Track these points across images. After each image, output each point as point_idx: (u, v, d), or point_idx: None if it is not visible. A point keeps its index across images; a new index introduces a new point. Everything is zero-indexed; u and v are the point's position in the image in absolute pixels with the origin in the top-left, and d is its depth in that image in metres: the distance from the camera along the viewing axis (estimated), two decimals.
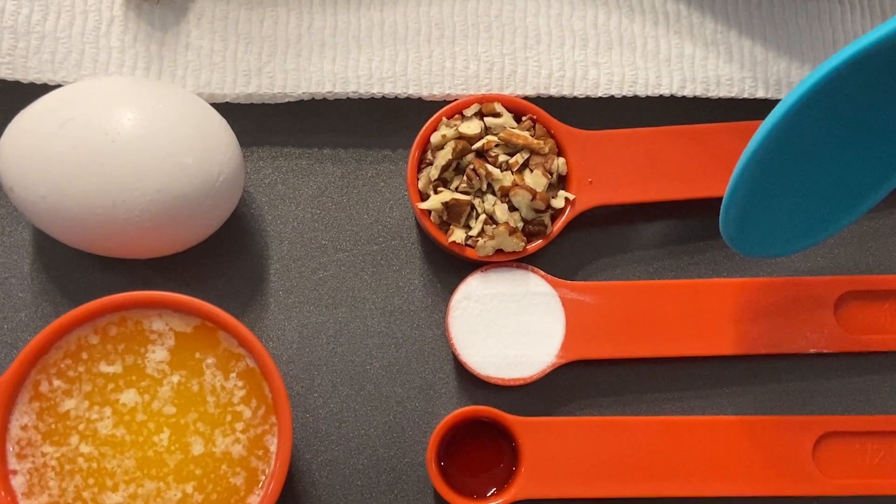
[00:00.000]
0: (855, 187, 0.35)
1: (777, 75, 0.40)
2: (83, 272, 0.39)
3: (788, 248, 0.37)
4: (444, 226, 0.38)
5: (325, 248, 0.40)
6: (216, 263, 0.40)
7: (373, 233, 0.40)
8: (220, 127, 0.36)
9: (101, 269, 0.39)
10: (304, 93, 0.39)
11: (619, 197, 0.39)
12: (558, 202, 0.38)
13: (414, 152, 0.38)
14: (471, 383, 0.39)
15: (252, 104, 0.40)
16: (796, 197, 0.34)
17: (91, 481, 0.33)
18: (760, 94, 0.40)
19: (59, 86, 0.38)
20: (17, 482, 0.33)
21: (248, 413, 0.34)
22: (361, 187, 0.41)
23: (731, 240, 0.34)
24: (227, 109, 0.39)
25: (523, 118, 0.39)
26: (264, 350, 0.33)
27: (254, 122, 0.40)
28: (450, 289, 0.39)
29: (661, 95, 0.40)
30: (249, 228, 0.40)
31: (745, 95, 0.40)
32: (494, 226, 0.38)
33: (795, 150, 0.32)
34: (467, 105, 0.39)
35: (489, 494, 0.37)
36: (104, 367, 0.34)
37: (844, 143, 0.33)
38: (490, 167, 0.38)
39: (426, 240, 0.40)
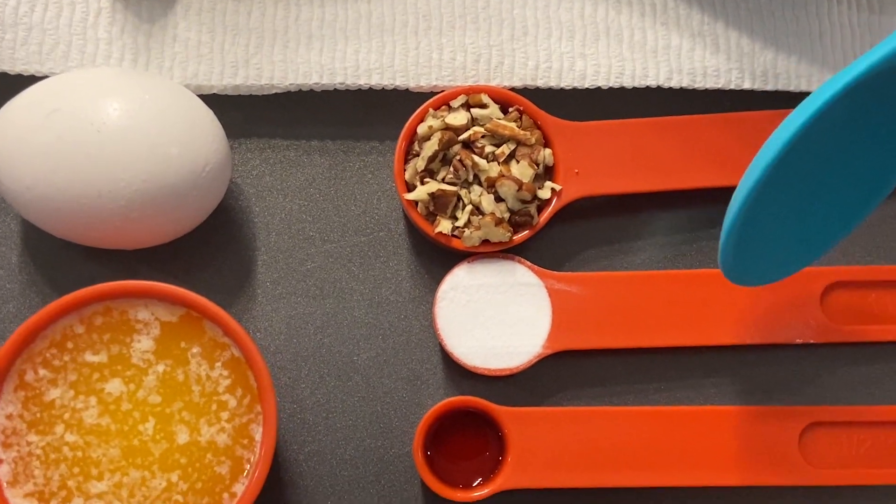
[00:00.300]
0: (846, 208, 0.35)
1: (763, 66, 0.40)
2: (71, 263, 0.39)
3: (782, 272, 0.36)
4: (431, 217, 0.38)
5: (313, 239, 0.40)
6: (204, 255, 0.40)
7: (360, 224, 0.40)
8: (206, 117, 0.36)
9: (88, 261, 0.39)
10: (291, 84, 0.39)
11: (606, 188, 0.39)
12: (545, 193, 0.38)
13: (401, 143, 0.38)
14: (457, 374, 0.39)
15: (240, 96, 0.40)
16: (791, 225, 0.35)
17: (76, 470, 0.33)
18: (747, 85, 0.40)
19: (46, 77, 0.38)
20: (2, 471, 0.33)
21: (233, 402, 0.34)
22: (349, 179, 0.41)
23: (730, 273, 0.34)
24: (215, 101, 0.39)
25: (510, 109, 0.39)
26: (249, 339, 0.33)
27: (241, 113, 0.40)
28: (437, 280, 0.39)
29: (647, 87, 0.40)
30: (237, 220, 0.40)
31: (732, 86, 0.40)
32: (481, 216, 0.38)
33: (789, 183, 0.32)
34: (454, 96, 0.39)
35: (475, 484, 0.37)
36: (89, 357, 0.34)
37: (841, 165, 0.34)
38: (476, 158, 0.38)
39: (413, 231, 0.40)
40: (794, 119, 0.30)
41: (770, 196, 0.32)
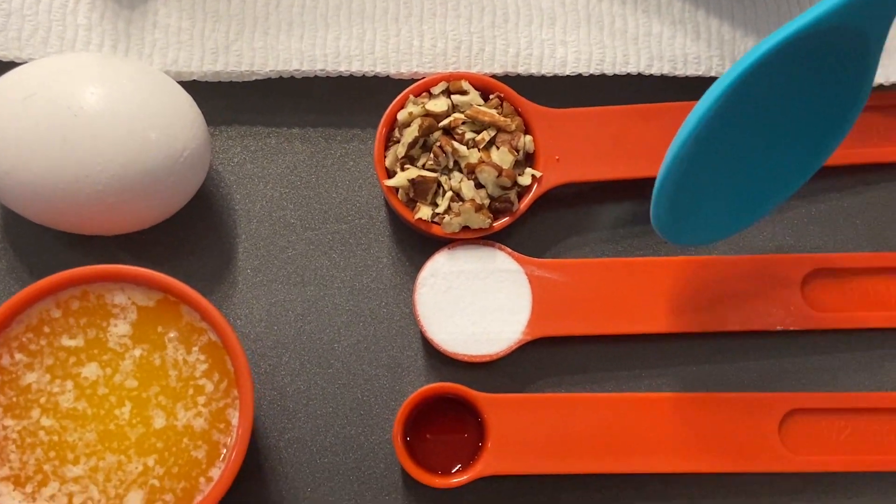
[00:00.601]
0: (783, 172, 0.36)
1: (744, 53, 0.40)
2: (50, 250, 0.39)
3: (720, 233, 0.37)
4: (412, 203, 0.38)
5: (294, 226, 0.40)
6: (185, 242, 0.40)
7: (341, 211, 0.40)
8: (185, 103, 0.36)
9: (68, 247, 0.39)
10: (271, 71, 0.39)
11: (587, 175, 0.39)
12: (525, 179, 0.38)
13: (381, 129, 0.38)
14: (438, 360, 0.39)
15: (220, 83, 0.40)
16: (726, 184, 0.35)
17: (52, 454, 0.33)
18: None
19: (25, 63, 0.38)
20: None
21: (210, 387, 0.34)
22: (330, 166, 0.41)
23: (662, 228, 0.34)
24: (196, 89, 0.39)
25: (491, 96, 0.39)
26: (226, 323, 0.33)
27: (222, 101, 0.40)
28: (417, 267, 0.39)
29: (628, 74, 0.40)
30: (218, 207, 0.40)
31: (713, 74, 0.40)
32: (461, 203, 0.38)
33: (725, 138, 0.32)
34: (435, 83, 0.39)
35: (455, 470, 0.37)
36: (66, 341, 0.34)
37: (774, 127, 0.34)
38: (457, 144, 0.38)
39: (394, 218, 0.40)
40: (729, 73, 0.30)
41: (705, 151, 0.32)
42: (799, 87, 0.33)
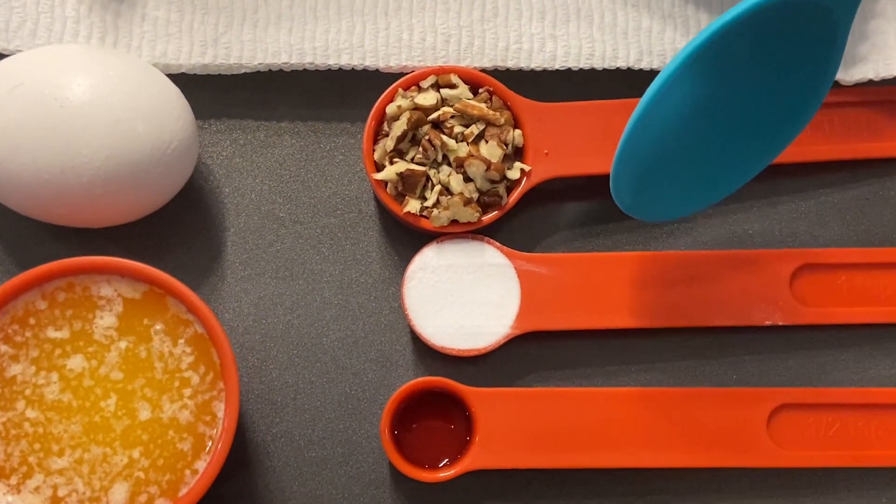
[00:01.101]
0: (747, 149, 0.36)
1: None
2: (38, 242, 0.39)
3: (682, 209, 0.37)
4: (400, 197, 0.38)
5: (283, 220, 0.40)
6: (173, 235, 0.39)
7: (330, 205, 0.40)
8: (172, 95, 0.36)
9: (55, 239, 0.39)
10: (260, 64, 0.39)
11: (576, 169, 0.39)
12: (514, 173, 0.38)
13: (370, 123, 0.38)
14: (426, 354, 0.39)
15: (209, 76, 0.40)
16: (687, 158, 0.35)
17: (37, 446, 0.33)
18: None
19: (12, 55, 0.38)
20: None
21: (196, 379, 0.34)
22: (319, 160, 0.40)
23: (621, 200, 0.35)
24: (185, 82, 0.39)
25: (480, 90, 0.39)
26: (212, 315, 0.33)
27: (211, 94, 0.40)
28: (406, 260, 0.39)
29: (618, 68, 0.40)
30: (206, 201, 0.40)
31: None
32: (449, 196, 0.37)
33: (684, 110, 0.32)
34: (424, 77, 0.39)
35: (442, 464, 0.37)
36: (52, 333, 0.33)
37: (736, 101, 0.34)
38: (445, 138, 0.38)
39: (384, 212, 0.40)
40: (688, 45, 0.30)
41: (664, 123, 0.32)
42: (761, 64, 0.32)
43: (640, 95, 0.39)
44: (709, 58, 0.31)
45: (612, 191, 0.34)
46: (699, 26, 0.40)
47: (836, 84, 0.41)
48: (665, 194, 0.36)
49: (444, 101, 0.38)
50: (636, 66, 0.40)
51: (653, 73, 0.40)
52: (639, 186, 0.34)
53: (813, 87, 0.35)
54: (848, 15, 0.32)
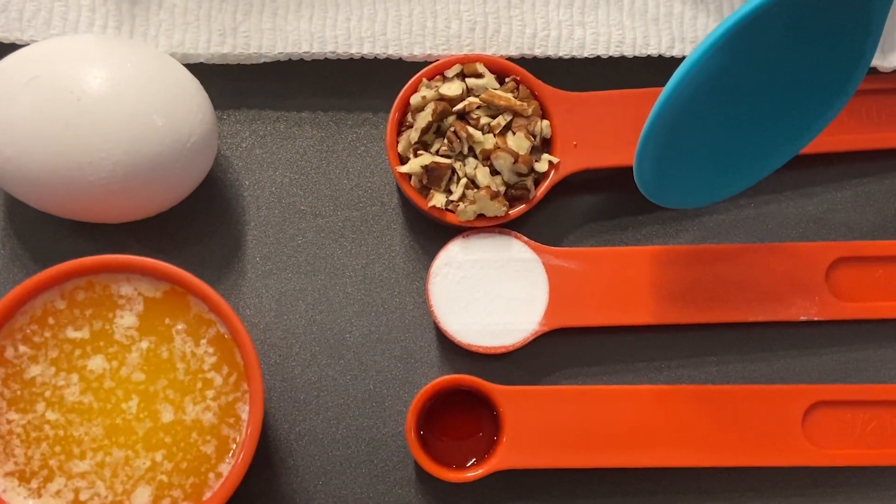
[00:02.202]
0: (775, 137, 0.35)
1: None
2: (55, 238, 0.38)
3: (704, 197, 0.36)
4: (425, 190, 0.37)
5: (304, 213, 0.39)
6: (192, 229, 0.39)
7: (352, 198, 0.39)
8: (191, 87, 0.35)
9: (73, 235, 0.38)
10: (280, 53, 0.38)
11: (605, 160, 0.38)
12: (542, 166, 0.37)
13: (393, 114, 0.37)
14: (452, 352, 0.38)
15: (228, 66, 0.39)
16: (714, 145, 0.34)
17: (58, 449, 0.32)
18: None
19: (26, 45, 0.37)
20: None
21: (218, 380, 0.33)
22: (341, 151, 0.40)
23: (645, 186, 0.34)
24: (203, 71, 0.38)
25: (506, 79, 0.38)
26: (235, 315, 0.32)
27: (230, 84, 0.39)
28: (431, 255, 0.38)
29: (648, 56, 0.39)
30: (226, 194, 0.39)
31: None
32: (476, 190, 0.37)
33: (712, 95, 0.31)
34: (448, 66, 0.38)
35: (469, 464, 0.36)
36: (71, 333, 0.33)
37: (766, 87, 0.33)
38: (471, 129, 0.37)
39: (407, 205, 0.39)
40: (720, 26, 0.29)
41: (690, 108, 0.31)
42: (792, 49, 0.31)
43: None
44: (739, 41, 0.30)
45: (635, 174, 0.33)
46: (732, 11, 0.39)
47: (874, 71, 0.39)
48: (691, 180, 0.35)
49: (469, 91, 0.37)
50: (668, 54, 0.39)
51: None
52: (663, 171, 0.33)
53: (846, 74, 0.33)
54: (885, 2, 0.31)
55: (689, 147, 0.33)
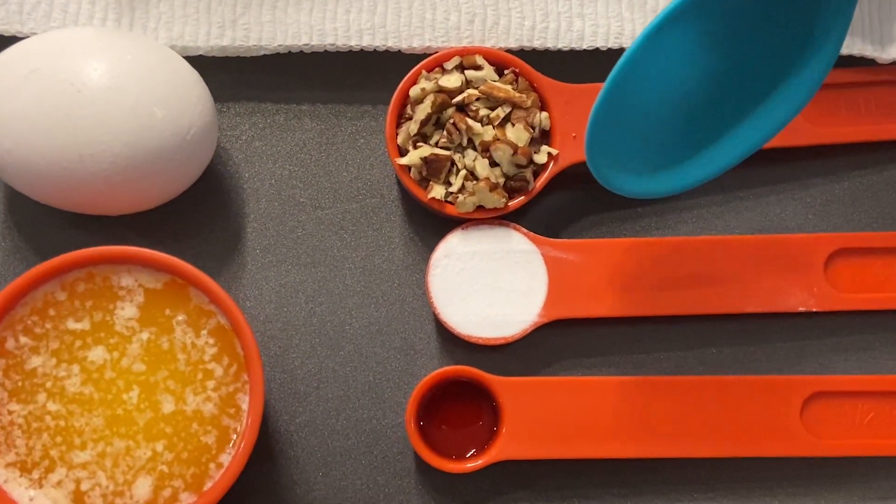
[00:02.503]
0: (741, 119, 0.33)
1: None
2: (56, 230, 0.38)
3: (661, 186, 0.34)
4: (424, 182, 0.37)
5: (304, 205, 0.39)
6: (192, 221, 0.39)
7: (352, 190, 0.39)
8: (191, 79, 0.35)
9: (74, 227, 0.38)
10: (280, 45, 0.38)
11: None
12: (541, 157, 0.37)
13: (393, 106, 0.37)
14: (451, 343, 0.38)
15: (227, 58, 0.39)
16: (671, 125, 0.32)
17: (59, 439, 0.32)
18: None
19: (26, 38, 0.37)
20: None
21: (219, 371, 0.33)
22: (340, 144, 0.40)
23: (595, 166, 0.32)
24: (203, 63, 0.38)
25: (505, 71, 0.38)
26: (235, 306, 0.33)
27: (230, 76, 0.39)
28: (430, 247, 0.38)
29: None
30: (226, 186, 0.39)
31: None
32: (475, 181, 0.37)
33: (669, 67, 0.30)
34: (448, 58, 0.38)
35: (469, 455, 0.37)
36: (72, 324, 0.33)
37: (726, 65, 0.31)
38: (471, 121, 0.37)
39: (407, 197, 0.39)
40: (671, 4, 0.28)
41: (643, 81, 0.29)
42: (752, 28, 0.30)
43: None
44: (695, 14, 0.28)
45: (587, 159, 0.31)
46: None
47: (872, 62, 0.39)
48: (643, 164, 0.33)
49: (468, 83, 0.37)
50: None
51: None
52: (618, 154, 0.31)
53: (802, 61, 0.32)
54: None
55: (646, 127, 0.31)
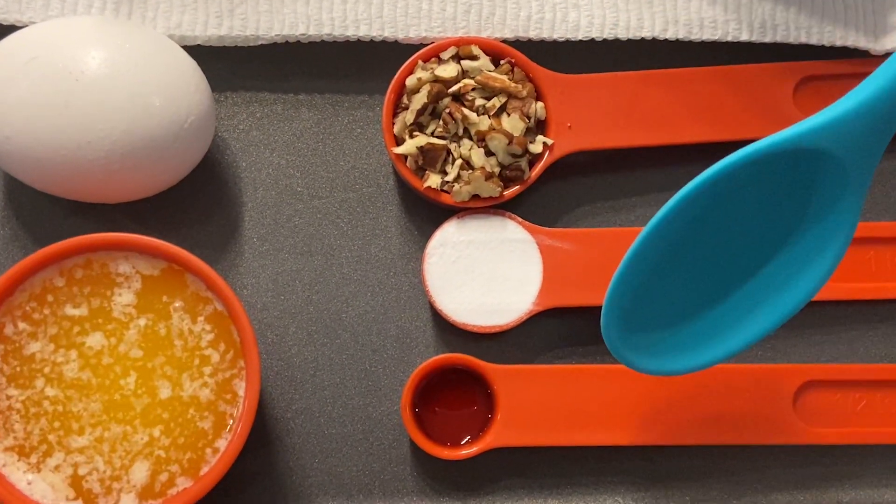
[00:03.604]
0: (758, 304, 0.31)
1: (762, 17, 0.39)
2: (54, 218, 0.38)
3: (683, 363, 0.31)
4: (420, 171, 0.37)
5: (301, 195, 0.39)
6: (190, 210, 0.39)
7: (349, 180, 0.40)
8: (189, 68, 0.36)
9: (72, 215, 0.38)
10: (277, 35, 0.38)
11: (599, 142, 0.38)
12: (536, 147, 0.37)
13: (389, 96, 0.37)
14: (447, 331, 0.38)
15: (225, 48, 0.39)
16: (690, 305, 0.31)
17: (56, 424, 0.32)
18: (745, 37, 0.39)
19: (25, 27, 0.37)
20: None
21: (216, 357, 0.33)
22: (337, 133, 0.40)
23: (614, 347, 0.30)
24: (200, 53, 0.38)
25: (501, 62, 0.38)
26: (231, 292, 0.33)
27: (227, 66, 0.40)
28: (426, 236, 0.38)
29: (642, 38, 0.39)
30: (223, 175, 0.39)
31: (729, 38, 0.39)
32: (471, 171, 0.37)
33: (686, 253, 0.30)
34: (444, 48, 0.38)
35: (464, 442, 0.37)
36: (70, 310, 0.33)
37: (741, 250, 0.31)
38: (466, 111, 0.37)
39: (403, 187, 0.39)
40: (694, 181, 0.28)
41: (662, 265, 0.29)
42: (770, 210, 0.30)
43: (665, 67, 0.39)
44: (713, 196, 0.28)
45: (603, 332, 0.30)
46: None
47: (867, 54, 0.40)
48: (665, 342, 0.31)
49: (464, 74, 0.38)
50: (661, 37, 0.39)
51: (678, 44, 0.39)
52: (634, 328, 0.30)
53: (830, 238, 0.30)
54: (863, 167, 0.28)
55: (663, 304, 0.31)
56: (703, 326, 0.31)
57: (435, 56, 0.38)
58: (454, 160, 0.37)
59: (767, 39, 0.39)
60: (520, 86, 0.37)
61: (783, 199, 0.30)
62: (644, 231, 0.29)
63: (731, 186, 0.28)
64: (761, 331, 0.31)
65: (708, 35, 0.39)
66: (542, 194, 0.39)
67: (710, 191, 0.28)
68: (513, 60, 0.38)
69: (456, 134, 0.37)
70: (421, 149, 0.37)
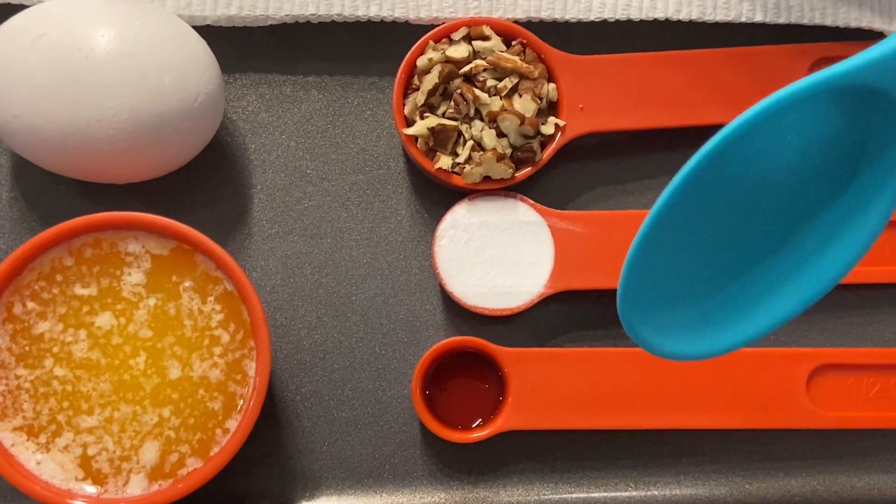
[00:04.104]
0: (789, 278, 0.29)
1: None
2: (62, 198, 0.38)
3: (707, 346, 0.29)
4: (431, 153, 0.37)
5: (310, 177, 0.39)
6: (199, 192, 0.39)
7: (359, 162, 0.39)
8: (199, 47, 0.35)
9: (80, 197, 0.38)
10: (286, 15, 0.38)
11: (612, 124, 0.38)
12: (548, 128, 0.37)
13: (400, 76, 0.37)
14: (457, 314, 0.38)
15: (234, 28, 0.39)
16: (713, 281, 0.29)
17: (66, 404, 0.32)
18: (759, 18, 0.39)
19: (35, 5, 0.37)
20: None
21: (226, 337, 0.33)
22: (347, 115, 0.40)
23: (632, 329, 0.27)
24: (210, 34, 0.38)
25: (513, 42, 0.38)
26: (242, 272, 0.33)
27: (236, 47, 0.39)
28: (437, 218, 0.38)
29: (655, 19, 0.39)
30: (232, 157, 0.39)
31: (743, 20, 0.39)
32: (482, 152, 0.37)
33: (708, 217, 0.27)
34: (455, 28, 0.38)
35: (475, 425, 0.37)
36: (79, 290, 0.33)
37: (772, 215, 0.28)
38: (478, 92, 0.36)
39: (413, 169, 0.39)
40: (714, 138, 0.25)
41: (681, 232, 0.26)
42: (804, 166, 0.27)
43: (678, 48, 0.38)
44: (740, 149, 0.25)
45: (619, 314, 0.27)
46: None
47: (881, 35, 0.39)
48: (686, 322, 0.29)
49: (476, 54, 0.37)
50: (674, 17, 0.39)
51: (691, 25, 0.39)
52: (652, 309, 0.28)
53: (876, 192, 0.27)
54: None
55: (681, 281, 0.28)
56: (728, 304, 0.29)
57: (446, 37, 0.38)
58: (465, 141, 0.37)
59: (782, 21, 0.39)
60: (532, 66, 0.37)
61: (820, 153, 0.27)
62: (668, 188, 0.26)
63: (758, 142, 0.26)
64: (793, 307, 0.28)
65: (721, 16, 0.39)
66: (554, 176, 0.39)
67: (736, 147, 0.25)
68: (525, 41, 0.38)
69: (467, 115, 0.37)
70: (432, 130, 0.36)
